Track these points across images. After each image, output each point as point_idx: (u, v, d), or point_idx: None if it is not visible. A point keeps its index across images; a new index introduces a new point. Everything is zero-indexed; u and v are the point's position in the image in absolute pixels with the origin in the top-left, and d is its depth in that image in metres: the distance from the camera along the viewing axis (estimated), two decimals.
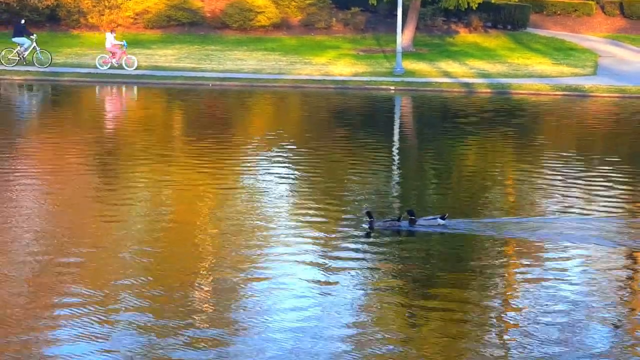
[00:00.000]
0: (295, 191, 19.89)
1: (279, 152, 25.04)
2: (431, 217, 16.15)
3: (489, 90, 42.54)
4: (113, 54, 46.58)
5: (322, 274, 13.44)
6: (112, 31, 48.24)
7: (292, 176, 21.60)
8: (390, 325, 11.55)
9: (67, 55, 50.32)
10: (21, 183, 19.74)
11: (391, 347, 10.77)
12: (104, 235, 15.40)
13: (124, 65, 46.18)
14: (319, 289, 12.74)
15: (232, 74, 45.39)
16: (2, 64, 46.03)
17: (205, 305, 12.03)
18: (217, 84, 43.19)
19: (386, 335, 11.11)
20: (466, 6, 53.79)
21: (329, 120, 33.55)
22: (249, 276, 13.24)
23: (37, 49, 46.55)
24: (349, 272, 13.59)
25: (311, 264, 13.96)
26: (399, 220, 15.87)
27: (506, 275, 13.83)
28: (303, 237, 15.46)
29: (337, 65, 48.50)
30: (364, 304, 12.28)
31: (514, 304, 12.52)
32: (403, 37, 49.79)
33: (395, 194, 19.84)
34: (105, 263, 13.78)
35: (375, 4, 54.85)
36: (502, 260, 14.59)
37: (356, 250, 14.73)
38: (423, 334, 11.28)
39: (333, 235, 15.51)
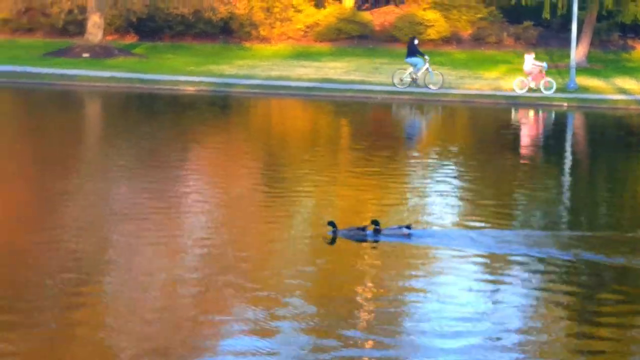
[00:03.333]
0: (465, 205, 19.53)
1: (448, 166, 24.74)
2: (396, 226, 15.94)
3: None
4: (533, 75, 44.07)
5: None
6: (530, 52, 45.80)
7: (456, 192, 21.25)
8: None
9: (239, 67, 51.12)
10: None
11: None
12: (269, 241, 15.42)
13: (541, 88, 43.65)
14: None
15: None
16: (395, 85, 44.75)
17: (373, 312, 11.86)
18: (386, 97, 43.10)
19: (550, 338, 10.76)
20: None
21: (498, 136, 32.99)
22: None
23: (430, 70, 45.00)
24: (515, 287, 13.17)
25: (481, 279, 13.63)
26: (363, 230, 15.68)
27: None
28: (469, 256, 15.10)
29: (508, 80, 47.72)
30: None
31: None
32: (577, 52, 48.66)
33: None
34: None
35: (548, 18, 53.81)
36: None
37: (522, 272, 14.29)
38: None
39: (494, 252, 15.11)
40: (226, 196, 19.70)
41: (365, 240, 15.55)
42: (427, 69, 44.93)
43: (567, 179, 24.00)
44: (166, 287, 12.94)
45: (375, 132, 33.25)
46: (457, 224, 17.40)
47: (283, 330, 11.15)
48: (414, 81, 44.78)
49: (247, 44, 58.66)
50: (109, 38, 57.54)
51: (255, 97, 43.47)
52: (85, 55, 53.31)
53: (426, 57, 45.16)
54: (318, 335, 11.12)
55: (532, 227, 17.47)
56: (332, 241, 15.45)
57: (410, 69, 45.03)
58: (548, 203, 20.07)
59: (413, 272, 13.97)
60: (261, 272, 13.76)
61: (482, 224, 17.18)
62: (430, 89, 44.28)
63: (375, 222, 15.85)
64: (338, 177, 22.60)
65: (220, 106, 40.37)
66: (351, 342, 10.96)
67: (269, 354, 10.44)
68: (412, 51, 45.27)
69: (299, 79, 47.04)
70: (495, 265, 14.52)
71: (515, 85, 44.18)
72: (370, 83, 46.51)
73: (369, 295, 12.90)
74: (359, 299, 12.75)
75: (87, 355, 10.29)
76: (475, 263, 14.69)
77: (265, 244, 15.52)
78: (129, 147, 26.41)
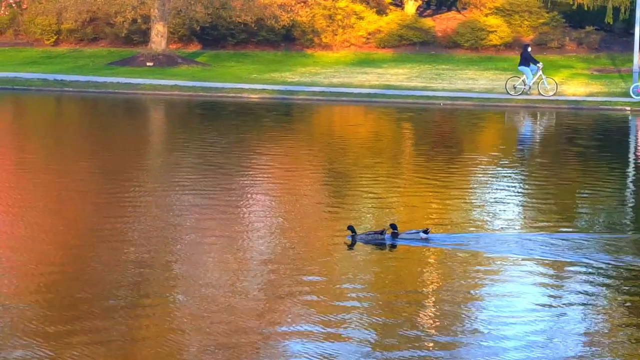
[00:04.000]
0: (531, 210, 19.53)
1: (510, 171, 24.73)
2: (414, 230, 15.94)
3: None
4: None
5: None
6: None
7: (519, 197, 21.24)
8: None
9: (301, 74, 51.42)
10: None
11: None
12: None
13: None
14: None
15: (463, 93, 45.21)
16: (508, 92, 44.35)
17: (441, 314, 11.95)
18: (449, 103, 43.13)
19: (615, 340, 10.77)
20: None
21: (562, 140, 32.84)
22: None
23: (544, 77, 44.43)
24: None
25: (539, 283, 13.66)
26: (381, 234, 15.72)
27: None
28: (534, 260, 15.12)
29: (570, 85, 47.48)
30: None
31: None
32: None
33: None
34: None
35: (611, 22, 53.45)
36: None
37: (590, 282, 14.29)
38: None
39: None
40: (292, 203, 19.84)
41: (383, 244, 15.64)
42: (540, 75, 44.51)
43: None
44: (233, 293, 13.11)
45: (440, 138, 33.29)
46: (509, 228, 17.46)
47: (348, 335, 11.22)
48: (527, 89, 44.32)
49: (309, 51, 58.97)
50: (173, 47, 58.21)
51: (317, 104, 43.72)
52: (149, 64, 54.00)
53: (539, 64, 44.59)
54: (380, 342, 11.19)
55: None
56: (352, 246, 15.55)
57: (523, 77, 44.64)
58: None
59: (474, 277, 14.03)
60: (326, 277, 13.88)
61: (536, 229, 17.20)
62: (543, 95, 43.96)
63: (393, 226, 15.95)
64: (406, 183, 22.71)
65: (284, 113, 40.62)
66: (414, 344, 11.06)
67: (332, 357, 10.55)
68: (526, 58, 44.76)
69: (360, 86, 47.22)
70: (550, 272, 14.53)
71: (632, 91, 43.62)
72: (432, 89, 46.52)
73: (431, 299, 12.98)
74: (422, 302, 12.83)
75: None
76: (527, 269, 14.71)
77: (328, 249, 15.61)
78: (196, 156, 26.71)
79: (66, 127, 35.51)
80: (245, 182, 22.57)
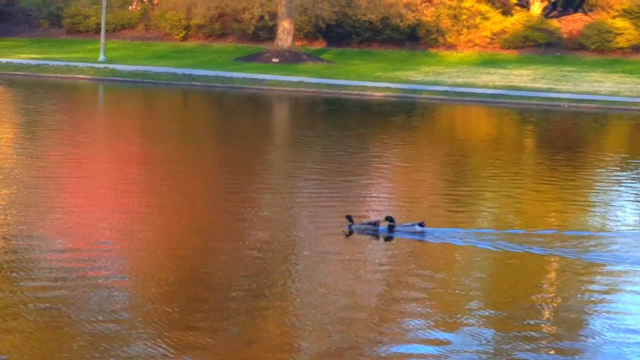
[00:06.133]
0: None
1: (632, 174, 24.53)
2: (409, 223, 16.00)
3: None
4: None
5: None
6: None
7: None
8: None
9: (425, 74, 51.54)
10: None
11: None
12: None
13: None
14: None
15: (588, 96, 44.74)
16: None
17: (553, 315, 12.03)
18: (573, 105, 42.75)
19: None
20: None
21: None
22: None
23: None
24: None
25: None
26: (375, 225, 15.89)
27: None
28: None
29: None
30: None
31: None
32: None
33: None
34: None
35: None
36: None
37: None
38: None
39: None
40: (411, 201, 20.06)
41: (377, 235, 15.83)
42: None
43: None
44: (353, 291, 13.39)
45: (564, 140, 33.08)
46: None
47: (461, 337, 11.29)
48: None
49: (434, 51, 59.02)
50: (298, 44, 58.89)
51: (441, 103, 43.79)
52: (275, 60, 54.80)
53: None
54: (494, 343, 11.34)
55: None
56: (349, 235, 15.83)
57: None
58: None
59: (587, 285, 14.03)
60: (441, 277, 14.05)
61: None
62: None
63: (389, 219, 16.07)
64: (529, 182, 22.73)
65: (407, 112, 40.80)
66: (531, 347, 11.22)
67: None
68: None
69: (484, 86, 47.12)
70: None
71: None
72: (556, 91, 46.14)
73: (546, 304, 13.00)
74: (536, 307, 12.88)
75: (271, 352, 10.59)
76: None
77: (445, 253, 15.76)
78: (323, 151, 27.14)
79: (195, 120, 36.32)
80: (366, 178, 22.86)
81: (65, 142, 26.20)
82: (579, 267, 14.70)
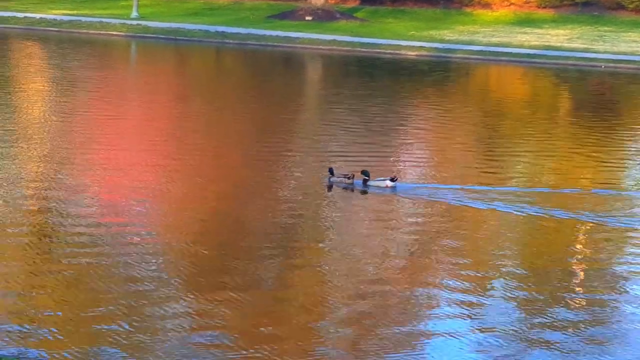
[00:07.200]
0: None
1: None
2: (381, 178, 16.21)
3: None
4: None
5: None
6: None
7: None
8: None
9: (459, 33, 51.03)
10: None
11: None
12: None
13: None
14: None
15: (625, 57, 44.10)
16: None
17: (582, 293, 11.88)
18: (610, 65, 42.18)
19: None
20: None
21: None
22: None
23: None
24: None
25: None
26: (349, 178, 16.15)
27: None
28: None
29: None
30: None
31: None
32: None
33: None
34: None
35: None
36: None
37: None
38: None
39: None
40: (446, 161, 19.86)
41: (352, 189, 16.02)
42: None
43: None
44: (382, 257, 13.26)
45: (601, 101, 32.74)
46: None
47: (493, 303, 11.22)
48: None
49: (468, 10, 58.39)
50: (331, 2, 58.49)
51: (475, 63, 43.35)
52: (308, 18, 54.43)
53: None
54: (528, 308, 11.22)
55: None
56: (329, 189, 16.05)
57: None
58: None
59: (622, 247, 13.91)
60: (474, 244, 13.89)
61: None
62: None
63: (365, 173, 16.28)
64: (563, 143, 22.49)
65: (442, 71, 40.39)
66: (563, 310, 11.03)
67: (478, 321, 10.60)
68: None
69: (520, 46, 46.56)
70: None
71: None
72: (593, 51, 45.55)
73: (582, 273, 12.82)
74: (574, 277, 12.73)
75: (299, 319, 10.48)
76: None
77: (476, 213, 15.44)
78: (357, 110, 26.86)
79: (229, 78, 36.01)
80: (399, 138, 22.70)
81: (101, 99, 26.24)
82: (614, 230, 14.48)
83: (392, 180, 16.16)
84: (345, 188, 16.09)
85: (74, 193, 15.02)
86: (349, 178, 16.25)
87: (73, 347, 9.18)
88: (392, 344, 9.76)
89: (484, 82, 39.22)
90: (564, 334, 10.30)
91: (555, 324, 10.56)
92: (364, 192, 16.01)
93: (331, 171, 16.39)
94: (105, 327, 9.73)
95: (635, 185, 17.97)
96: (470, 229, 14.29)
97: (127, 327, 9.74)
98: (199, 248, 12.51)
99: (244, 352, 9.36)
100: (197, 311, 10.27)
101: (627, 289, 11.89)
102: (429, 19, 55.77)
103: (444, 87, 35.66)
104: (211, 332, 9.75)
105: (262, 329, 9.99)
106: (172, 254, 12.23)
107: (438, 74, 39.65)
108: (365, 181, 16.24)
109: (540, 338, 10.14)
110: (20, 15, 52.89)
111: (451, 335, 10.05)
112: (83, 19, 52.11)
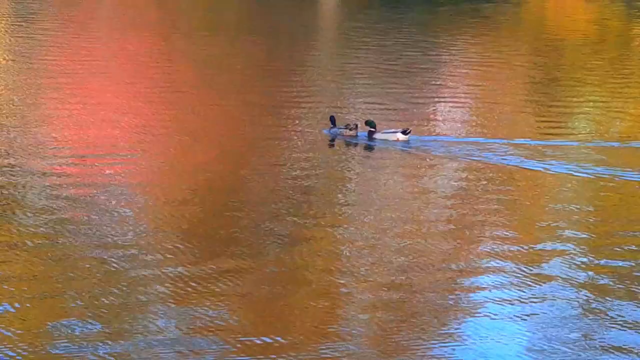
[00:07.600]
0: None
1: None
2: (390, 130, 14.37)
3: None
4: None
5: None
6: None
7: None
8: None
9: None
10: None
11: None
12: None
13: None
14: None
15: None
16: None
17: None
18: None
19: None
20: None
21: None
22: None
23: None
24: None
25: None
26: (350, 129, 14.41)
27: None
28: None
29: None
30: None
31: None
32: None
33: None
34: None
35: None
36: None
37: None
38: None
39: None
40: (492, 107, 17.73)
41: (356, 142, 14.46)
42: None
43: None
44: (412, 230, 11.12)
45: None
46: None
47: (547, 264, 9.71)
48: None
49: None
50: None
51: None
52: None
53: None
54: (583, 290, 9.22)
55: None
56: (331, 142, 14.48)
57: None
58: None
59: None
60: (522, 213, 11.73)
61: None
62: None
63: (370, 123, 14.47)
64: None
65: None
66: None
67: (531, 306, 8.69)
68: None
69: None
70: None
71: None
72: None
73: None
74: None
75: (313, 296, 8.96)
76: None
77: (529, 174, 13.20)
78: (393, 48, 25.21)
79: (242, 11, 34.75)
80: (437, 79, 20.86)
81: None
82: None
83: (404, 132, 14.16)
84: (347, 141, 14.48)
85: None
86: (351, 129, 14.44)
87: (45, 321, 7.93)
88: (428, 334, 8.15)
89: (539, 11, 36.77)
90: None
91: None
92: (369, 148, 14.29)
93: (332, 120, 14.51)
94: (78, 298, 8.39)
95: None
96: (514, 194, 12.30)
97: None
98: (207, 213, 11.20)
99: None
100: (205, 276, 9.12)
101: None
102: None
103: (494, 18, 33.16)
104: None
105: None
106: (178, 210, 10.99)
107: (486, 1, 36.69)
108: (371, 133, 14.35)
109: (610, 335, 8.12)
110: None
111: (501, 335, 8.19)
112: None
